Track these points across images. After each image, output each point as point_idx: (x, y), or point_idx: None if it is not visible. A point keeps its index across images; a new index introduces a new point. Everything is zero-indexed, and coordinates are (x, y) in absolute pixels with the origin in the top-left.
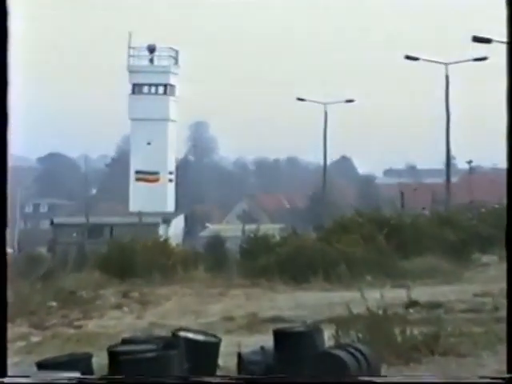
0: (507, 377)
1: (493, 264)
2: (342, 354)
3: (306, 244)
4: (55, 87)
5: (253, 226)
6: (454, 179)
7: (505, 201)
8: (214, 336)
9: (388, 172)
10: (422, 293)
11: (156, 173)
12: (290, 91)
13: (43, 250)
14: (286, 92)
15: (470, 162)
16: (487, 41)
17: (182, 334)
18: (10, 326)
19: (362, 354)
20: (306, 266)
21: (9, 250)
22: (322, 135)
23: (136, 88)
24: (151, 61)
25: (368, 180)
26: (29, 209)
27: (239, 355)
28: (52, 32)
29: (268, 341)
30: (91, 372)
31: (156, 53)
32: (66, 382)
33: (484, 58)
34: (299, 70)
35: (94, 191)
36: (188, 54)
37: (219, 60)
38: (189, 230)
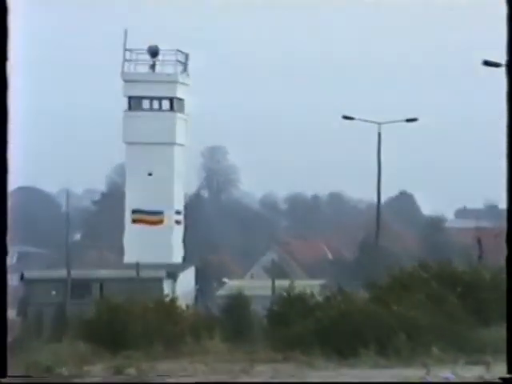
0: (507, 377)
1: None
2: None
3: (355, 306)
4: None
5: (285, 283)
6: None
7: None
8: None
9: (461, 212)
10: (506, 371)
11: (159, 213)
12: (334, 109)
13: (11, 313)
14: (328, 109)
15: None
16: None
17: None
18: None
19: None
20: (355, 335)
21: None
22: (376, 164)
23: (133, 102)
24: (153, 67)
25: (435, 223)
26: None
27: None
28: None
29: None
30: None
31: (159, 57)
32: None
33: None
34: (343, 84)
35: (77, 236)
36: (201, 58)
37: (240, 68)
38: (201, 288)
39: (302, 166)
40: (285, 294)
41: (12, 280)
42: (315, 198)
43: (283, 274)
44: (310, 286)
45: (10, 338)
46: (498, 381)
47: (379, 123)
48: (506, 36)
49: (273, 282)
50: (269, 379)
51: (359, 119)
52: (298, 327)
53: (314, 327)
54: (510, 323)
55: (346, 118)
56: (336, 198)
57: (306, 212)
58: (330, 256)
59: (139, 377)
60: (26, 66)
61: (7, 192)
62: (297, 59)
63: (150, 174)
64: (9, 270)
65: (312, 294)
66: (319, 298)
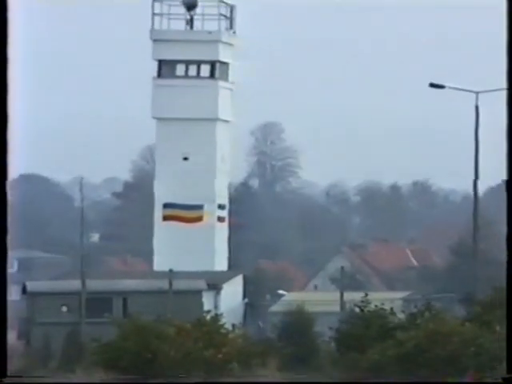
0: (507, 377)
1: None
2: None
3: (447, 327)
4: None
5: (358, 296)
6: None
7: None
8: None
9: None
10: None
11: (198, 207)
12: (417, 75)
13: (10, 336)
14: (410, 77)
15: None
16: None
17: None
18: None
19: None
20: (447, 363)
21: None
22: (473, 144)
23: (164, 68)
24: (190, 23)
25: None
26: None
27: None
28: None
29: None
30: None
31: (198, 10)
32: None
33: None
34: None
35: (95, 237)
36: (250, 12)
37: (301, 25)
38: (251, 302)
39: (378, 149)
40: (358, 310)
41: (12, 293)
42: (395, 188)
43: (355, 286)
44: (389, 300)
45: (10, 368)
46: (498, 381)
47: (477, 92)
48: (506, 35)
49: (342, 296)
50: None
51: (451, 87)
52: (375, 352)
53: (394, 353)
54: (510, 323)
55: (434, 86)
56: (421, 188)
57: (383, 206)
58: (414, 262)
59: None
60: (44, 33)
61: (7, 192)
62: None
63: (185, 159)
64: (8, 280)
65: (392, 311)
66: (401, 316)
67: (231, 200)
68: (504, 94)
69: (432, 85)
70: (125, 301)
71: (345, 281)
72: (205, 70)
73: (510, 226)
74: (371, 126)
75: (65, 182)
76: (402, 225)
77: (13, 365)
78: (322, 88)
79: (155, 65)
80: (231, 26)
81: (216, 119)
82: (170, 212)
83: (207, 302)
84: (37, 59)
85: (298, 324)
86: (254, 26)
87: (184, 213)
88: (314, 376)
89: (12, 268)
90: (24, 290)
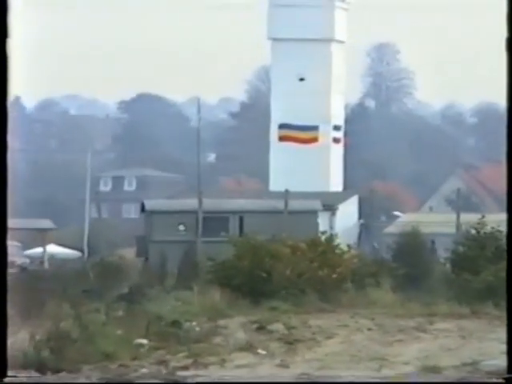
0: (507, 377)
1: None
2: None
3: None
4: None
5: (473, 217)
6: None
7: None
8: None
9: None
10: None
11: (313, 128)
12: None
13: (129, 253)
14: None
15: None
16: None
17: None
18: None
19: None
20: None
21: (75, 253)
22: None
23: None
24: None
25: None
26: (105, 186)
27: None
28: None
29: None
30: None
31: None
32: None
33: None
34: None
35: (211, 157)
36: None
37: None
38: (366, 223)
39: (493, 65)
40: (473, 231)
41: (130, 211)
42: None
43: (471, 207)
44: (505, 221)
45: (128, 284)
46: (498, 380)
47: None
48: (506, 35)
49: (458, 217)
50: (456, 337)
51: None
52: (491, 274)
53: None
54: (510, 322)
55: None
56: None
57: (499, 127)
58: None
59: (287, 332)
60: None
61: (7, 192)
62: None
63: (301, 79)
64: (126, 198)
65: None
66: None
67: (346, 121)
68: None
69: None
70: (241, 220)
71: (460, 202)
72: None
73: (510, 225)
74: (490, 47)
75: (181, 101)
76: None
77: (132, 281)
78: (439, 7)
79: None
80: None
81: (331, 40)
82: (285, 132)
83: (322, 222)
84: None
85: (413, 245)
86: None
87: (299, 133)
88: (429, 296)
89: (130, 186)
90: (142, 208)
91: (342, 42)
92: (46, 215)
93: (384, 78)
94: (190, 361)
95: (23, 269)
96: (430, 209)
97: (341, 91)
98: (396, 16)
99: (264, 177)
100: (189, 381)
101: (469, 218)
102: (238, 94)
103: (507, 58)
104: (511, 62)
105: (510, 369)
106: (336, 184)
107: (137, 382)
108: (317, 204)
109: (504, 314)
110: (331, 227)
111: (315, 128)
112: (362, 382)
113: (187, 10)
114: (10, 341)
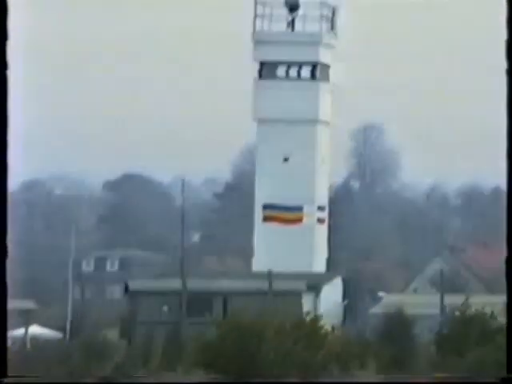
0: (507, 377)
1: None
2: None
3: None
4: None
5: (458, 299)
6: None
7: None
8: None
9: None
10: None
11: (297, 208)
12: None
13: (113, 334)
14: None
15: None
16: None
17: None
18: None
19: None
20: None
21: (56, 335)
22: None
23: (266, 69)
24: (291, 24)
25: None
26: (88, 266)
27: None
28: None
29: None
30: None
31: (300, 11)
32: None
33: None
34: None
35: (195, 238)
36: (352, 13)
37: (400, 21)
38: (351, 304)
39: (480, 150)
40: (458, 313)
41: (114, 292)
42: (497, 190)
43: (455, 289)
44: (490, 303)
45: (111, 365)
46: (498, 381)
47: None
48: (506, 35)
49: (442, 299)
50: None
51: None
52: (475, 356)
53: (494, 357)
54: (510, 323)
55: None
56: None
57: (484, 209)
58: None
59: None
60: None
61: (7, 191)
62: None
63: (286, 160)
64: (110, 279)
65: (493, 315)
66: (502, 320)
67: (331, 201)
68: None
69: None
70: (225, 301)
71: (444, 284)
72: (306, 71)
73: (509, 225)
74: (471, 128)
75: (166, 182)
76: (503, 228)
77: (115, 362)
78: (425, 89)
79: (256, 67)
80: (332, 27)
81: (316, 121)
82: (269, 213)
83: (307, 303)
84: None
85: (398, 326)
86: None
87: (284, 214)
88: (414, 378)
89: (113, 266)
90: (126, 289)
91: (326, 122)
92: (29, 295)
93: (369, 160)
94: None
95: None
96: (415, 290)
97: (325, 172)
98: (385, 96)
99: (248, 257)
100: None
101: (453, 299)
102: (223, 174)
103: (507, 61)
104: (511, 64)
105: (510, 369)
106: (319, 264)
107: (137, 382)
108: (301, 284)
109: None
110: (315, 308)
111: (300, 208)
112: (362, 382)
113: (175, 92)
114: None
